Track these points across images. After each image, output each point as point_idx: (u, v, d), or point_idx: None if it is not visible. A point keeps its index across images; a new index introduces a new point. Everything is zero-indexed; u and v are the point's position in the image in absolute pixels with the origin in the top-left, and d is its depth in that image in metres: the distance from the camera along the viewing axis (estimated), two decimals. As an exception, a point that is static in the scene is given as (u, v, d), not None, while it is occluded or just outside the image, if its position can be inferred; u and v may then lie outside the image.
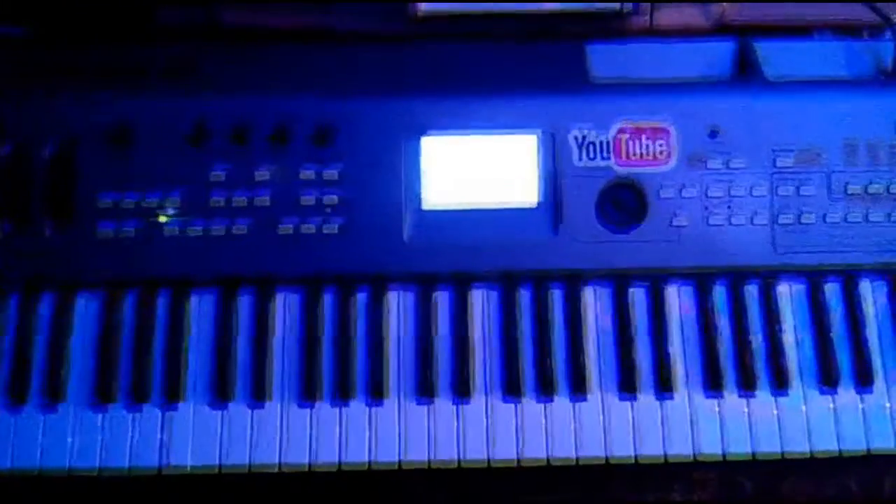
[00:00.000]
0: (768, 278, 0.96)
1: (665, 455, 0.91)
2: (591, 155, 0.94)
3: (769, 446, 0.91)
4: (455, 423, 0.91)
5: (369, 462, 0.90)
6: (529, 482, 0.92)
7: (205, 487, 0.91)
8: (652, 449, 0.91)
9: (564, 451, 0.91)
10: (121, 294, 0.94)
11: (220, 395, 0.92)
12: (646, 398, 0.92)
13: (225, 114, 0.93)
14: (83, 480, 0.90)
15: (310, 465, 0.90)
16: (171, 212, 0.93)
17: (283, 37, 1.04)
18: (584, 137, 0.94)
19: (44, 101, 0.94)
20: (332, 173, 0.93)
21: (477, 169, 0.96)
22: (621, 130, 0.95)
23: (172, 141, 0.93)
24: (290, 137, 0.94)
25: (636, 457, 0.90)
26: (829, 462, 0.91)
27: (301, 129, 0.94)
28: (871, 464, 0.92)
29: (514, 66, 0.98)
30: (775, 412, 0.92)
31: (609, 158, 0.95)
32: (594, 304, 0.95)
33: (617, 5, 1.00)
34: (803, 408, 0.92)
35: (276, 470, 0.90)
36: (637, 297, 0.96)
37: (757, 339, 0.94)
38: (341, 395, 0.92)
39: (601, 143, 0.95)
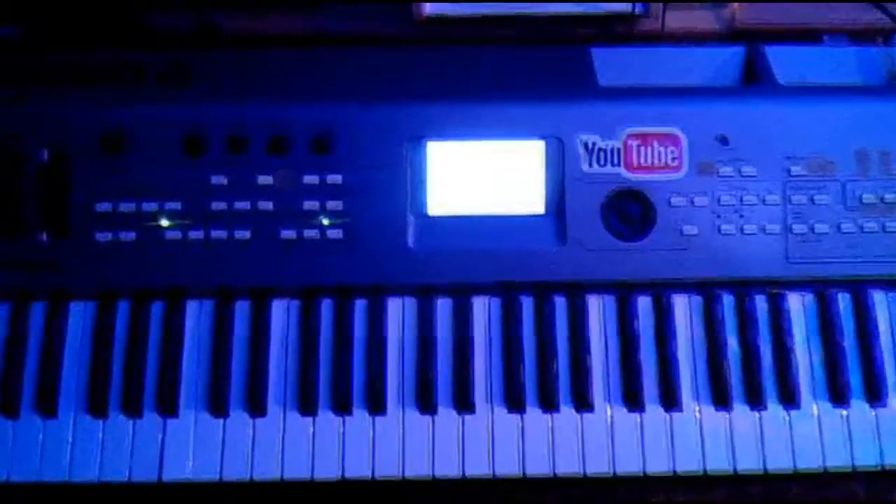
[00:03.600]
0: (778, 290, 0.94)
1: (674, 472, 0.89)
2: (601, 162, 0.92)
3: (780, 462, 0.89)
4: (456, 437, 0.90)
5: (369, 476, 0.89)
6: (532, 480, 0.90)
7: (202, 501, 0.89)
8: (659, 465, 0.89)
9: (568, 466, 0.89)
10: (116, 304, 0.93)
11: (216, 408, 0.90)
12: (652, 412, 0.91)
13: (222, 121, 0.92)
14: (79, 493, 0.89)
15: (309, 478, 0.89)
16: (168, 221, 0.91)
17: (282, 41, 1.02)
18: (593, 144, 0.92)
19: (37, 107, 0.92)
20: (334, 181, 0.92)
21: (483, 176, 0.94)
22: (630, 137, 0.93)
23: (169, 149, 0.91)
24: (291, 145, 0.92)
25: (643, 474, 0.89)
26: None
27: (302, 136, 0.92)
28: (881, 471, 0.90)
29: (521, 70, 0.96)
30: (786, 427, 0.90)
31: (618, 166, 0.93)
32: (599, 314, 0.94)
33: (628, 6, 0.98)
34: (814, 423, 0.91)
35: (275, 483, 0.89)
36: (643, 307, 0.94)
37: (766, 352, 0.92)
38: (340, 408, 0.90)
39: (610, 150, 0.93)
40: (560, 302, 0.94)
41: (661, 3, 1.01)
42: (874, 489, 0.91)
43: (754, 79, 0.98)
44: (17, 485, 0.88)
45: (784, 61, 0.98)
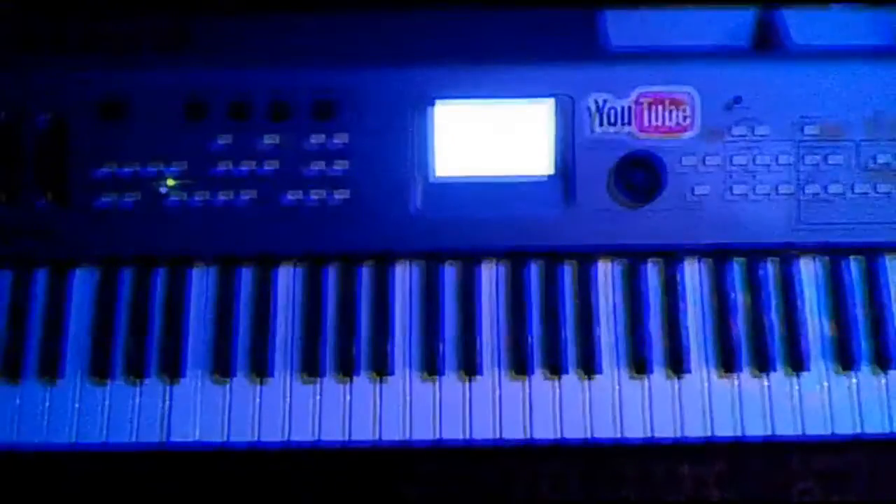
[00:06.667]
0: (787, 255, 0.93)
1: (679, 437, 0.89)
2: (611, 121, 0.91)
3: (787, 428, 0.89)
4: (462, 402, 0.90)
5: (374, 441, 0.89)
6: (534, 452, 0.90)
7: (207, 465, 0.90)
8: (665, 430, 0.89)
9: (574, 431, 0.89)
10: (119, 271, 0.93)
11: (221, 372, 0.90)
12: (659, 377, 0.90)
13: (224, 86, 0.90)
14: (83, 458, 0.90)
15: (314, 442, 0.89)
16: (169, 186, 0.90)
17: (284, 3, 0.99)
18: (602, 104, 0.91)
19: (36, 73, 0.91)
20: (337, 144, 0.90)
21: (491, 137, 0.92)
22: (640, 98, 0.91)
23: (170, 114, 0.90)
24: (294, 109, 0.90)
25: (649, 438, 0.89)
26: (840, 439, 0.90)
27: (305, 101, 0.90)
28: (885, 442, 0.91)
29: (529, 32, 0.93)
30: (793, 393, 0.90)
31: (628, 126, 0.91)
32: (607, 279, 0.93)
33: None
34: (822, 388, 0.90)
35: (279, 447, 0.89)
36: (651, 272, 0.93)
37: (775, 318, 0.92)
38: (345, 373, 0.90)
39: (619, 110, 0.91)
40: (567, 266, 0.93)
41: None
42: (877, 460, 0.91)
43: (767, 41, 0.96)
44: (22, 450, 0.89)
45: (797, 24, 0.95)
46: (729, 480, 0.91)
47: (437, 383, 0.90)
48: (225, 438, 0.89)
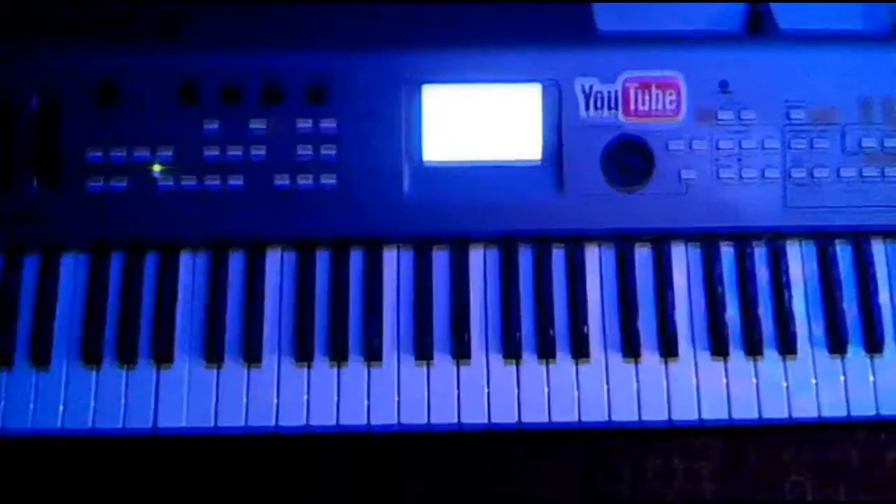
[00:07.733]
0: (777, 239, 0.93)
1: (669, 420, 0.89)
2: (598, 106, 0.91)
3: (776, 412, 0.89)
4: (453, 386, 0.90)
5: (365, 426, 0.89)
6: (528, 448, 0.91)
7: (197, 450, 0.90)
8: (655, 414, 0.89)
9: (565, 415, 0.89)
10: (109, 255, 0.92)
11: (211, 357, 0.90)
12: (649, 362, 0.91)
13: (215, 70, 0.91)
14: (72, 444, 0.89)
15: (304, 428, 0.89)
16: (161, 170, 0.90)
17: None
18: (590, 88, 0.91)
19: (28, 56, 0.91)
20: (328, 128, 0.91)
21: (479, 121, 0.93)
22: (629, 83, 0.92)
23: (161, 98, 0.90)
24: (285, 93, 0.91)
25: (639, 422, 0.89)
26: (832, 431, 0.91)
27: (297, 85, 0.91)
28: (876, 434, 0.91)
29: (519, 17, 0.94)
30: (783, 377, 0.90)
31: (616, 111, 0.92)
32: (598, 263, 0.93)
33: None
34: (811, 373, 0.90)
35: (269, 433, 0.89)
36: (642, 256, 0.94)
37: (764, 302, 0.92)
38: (336, 357, 0.90)
39: (608, 95, 0.92)
40: (558, 250, 0.93)
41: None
42: (869, 448, 0.91)
43: (757, 26, 0.97)
44: (12, 435, 0.89)
45: (787, 12, 0.96)
46: (723, 474, 0.91)
47: (428, 368, 0.90)
48: (215, 424, 0.88)
